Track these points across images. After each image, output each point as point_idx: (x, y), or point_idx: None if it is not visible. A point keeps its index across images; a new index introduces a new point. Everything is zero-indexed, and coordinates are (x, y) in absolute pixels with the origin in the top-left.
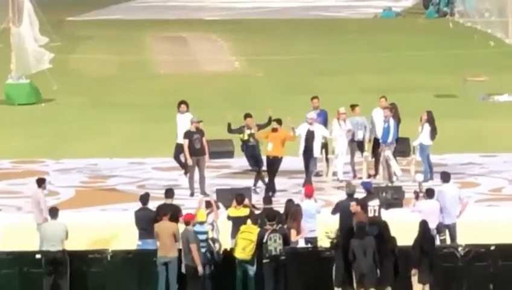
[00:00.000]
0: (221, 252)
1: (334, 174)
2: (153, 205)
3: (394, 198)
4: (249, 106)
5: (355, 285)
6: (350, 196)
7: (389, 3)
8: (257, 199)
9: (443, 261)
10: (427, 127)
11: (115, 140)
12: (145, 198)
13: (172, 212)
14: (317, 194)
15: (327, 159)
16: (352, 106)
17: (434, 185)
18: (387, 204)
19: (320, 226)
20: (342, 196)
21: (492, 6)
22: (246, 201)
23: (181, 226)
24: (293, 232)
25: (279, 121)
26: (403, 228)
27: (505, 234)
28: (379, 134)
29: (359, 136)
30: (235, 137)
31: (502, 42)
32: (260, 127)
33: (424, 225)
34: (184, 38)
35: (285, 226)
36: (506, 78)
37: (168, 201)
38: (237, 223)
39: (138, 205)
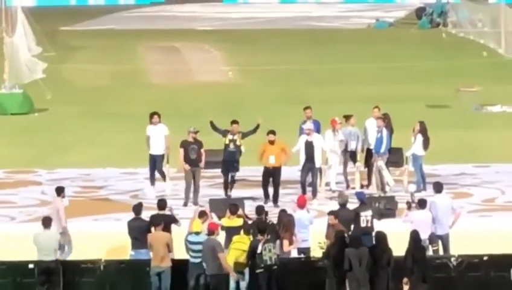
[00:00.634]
0: None
1: (327, 184)
2: (145, 215)
3: (387, 208)
4: (241, 116)
5: None
6: (343, 206)
7: (382, 13)
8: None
9: (436, 272)
10: (419, 138)
11: (107, 150)
12: (138, 208)
13: (166, 223)
14: (309, 204)
15: (320, 170)
16: (346, 116)
17: (427, 195)
18: (380, 214)
19: (313, 237)
20: (334, 206)
21: (485, 16)
22: (240, 211)
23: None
24: (285, 242)
25: (274, 133)
26: (396, 238)
27: (497, 245)
28: (372, 144)
29: (352, 146)
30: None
31: (495, 53)
32: (244, 134)
33: (414, 234)
34: (177, 48)
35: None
36: (499, 89)
37: (161, 211)
38: (231, 233)
39: (131, 215)
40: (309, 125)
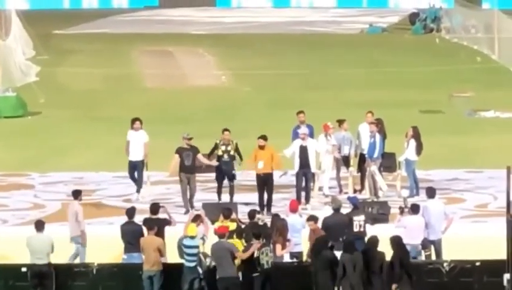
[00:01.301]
0: (211, 266)
1: (320, 189)
2: (139, 219)
3: (380, 213)
4: (235, 120)
5: None
6: (336, 211)
7: (375, 18)
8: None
9: (428, 277)
10: (412, 143)
11: (101, 153)
12: (131, 212)
13: (159, 227)
14: (302, 208)
15: (313, 174)
16: (339, 121)
17: (420, 200)
18: (373, 219)
19: (306, 241)
20: (327, 210)
21: (479, 22)
22: (233, 215)
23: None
24: (278, 246)
25: (264, 138)
26: (388, 244)
27: (490, 250)
28: (365, 149)
29: (345, 151)
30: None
31: (489, 58)
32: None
33: (398, 239)
34: (171, 53)
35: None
36: (492, 94)
37: (154, 216)
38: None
39: (124, 218)
40: (304, 130)
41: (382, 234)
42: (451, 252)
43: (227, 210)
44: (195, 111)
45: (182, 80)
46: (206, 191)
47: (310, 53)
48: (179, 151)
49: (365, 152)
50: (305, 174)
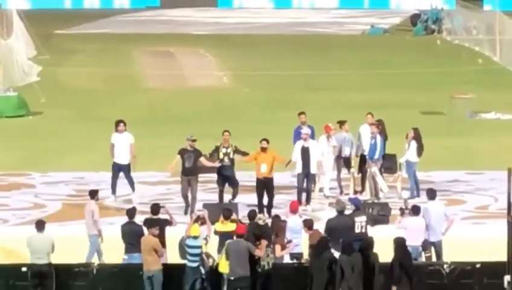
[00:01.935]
0: (214, 267)
1: (321, 190)
2: (139, 219)
3: (380, 214)
4: (236, 121)
5: None
6: (340, 213)
7: (377, 20)
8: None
9: (429, 279)
10: (413, 144)
11: (102, 153)
12: (131, 212)
13: (159, 227)
14: (302, 209)
15: (314, 175)
16: (340, 122)
17: (420, 202)
18: (374, 220)
19: (306, 242)
20: (327, 211)
21: (480, 24)
22: (234, 216)
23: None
24: (277, 247)
25: (267, 140)
26: (389, 245)
27: (490, 252)
28: (366, 150)
29: (346, 152)
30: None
31: (490, 60)
32: (237, 151)
33: (402, 241)
34: (172, 53)
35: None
36: (494, 96)
37: (155, 216)
38: (224, 238)
39: (125, 219)
40: (306, 130)
41: (382, 236)
42: (452, 254)
43: (227, 211)
44: (196, 111)
45: (183, 81)
46: (207, 191)
47: (311, 54)
48: (181, 152)
49: (366, 153)
50: (306, 175)
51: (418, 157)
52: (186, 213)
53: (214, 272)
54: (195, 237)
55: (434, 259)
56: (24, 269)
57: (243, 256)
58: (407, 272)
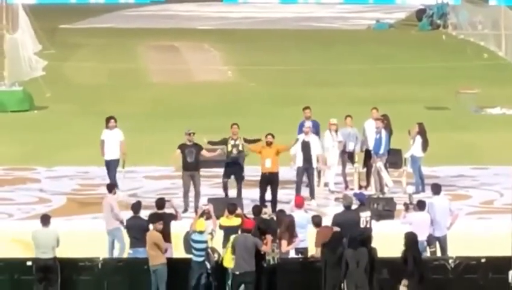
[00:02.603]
0: (219, 261)
1: (326, 185)
2: (144, 214)
3: (385, 209)
4: (240, 116)
5: None
6: (347, 208)
7: (382, 15)
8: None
9: (433, 274)
10: (418, 139)
11: None
12: (136, 207)
13: (165, 221)
14: (307, 204)
15: (319, 170)
16: (347, 117)
17: (425, 197)
18: (379, 215)
19: (311, 237)
20: (332, 207)
21: (486, 19)
22: (238, 210)
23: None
24: (283, 242)
25: (272, 135)
26: (394, 240)
27: (495, 247)
28: (371, 145)
29: (350, 147)
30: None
31: (495, 55)
32: (247, 140)
33: (413, 236)
34: (177, 48)
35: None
36: (499, 91)
37: (160, 210)
38: (229, 232)
39: (130, 213)
40: (308, 124)
41: (387, 231)
42: (457, 249)
43: (232, 205)
44: (200, 106)
45: (187, 75)
46: (212, 186)
47: (316, 49)
48: (181, 147)
49: (371, 148)
50: (306, 169)
51: (423, 152)
52: (186, 211)
53: (219, 266)
54: (201, 232)
55: (439, 254)
56: (29, 263)
57: (250, 251)
58: (419, 267)
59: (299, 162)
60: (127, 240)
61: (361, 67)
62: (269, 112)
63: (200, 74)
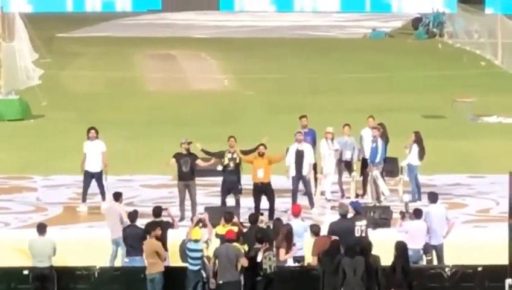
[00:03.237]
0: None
1: (322, 193)
2: (141, 223)
3: (382, 218)
4: (237, 124)
5: None
6: (343, 216)
7: (378, 23)
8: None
9: (430, 282)
10: (415, 148)
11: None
12: (133, 215)
13: (161, 229)
14: (309, 213)
15: (315, 179)
16: (345, 126)
17: (422, 205)
18: (375, 224)
19: (308, 245)
20: (329, 215)
21: (482, 27)
22: (235, 219)
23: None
24: (281, 251)
25: (264, 146)
26: (390, 248)
27: (492, 255)
28: (367, 154)
29: (347, 156)
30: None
31: (492, 63)
32: (244, 152)
33: (402, 244)
34: (173, 56)
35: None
36: (495, 100)
37: (157, 219)
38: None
39: (126, 222)
40: (300, 133)
41: (384, 239)
42: (453, 257)
43: (228, 214)
44: (197, 115)
45: (184, 84)
46: (208, 195)
47: (312, 57)
48: (176, 156)
49: (367, 157)
50: (299, 178)
51: (419, 161)
52: (182, 219)
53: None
54: (196, 241)
55: (435, 262)
56: (26, 272)
57: (231, 261)
58: (407, 276)
59: (293, 171)
60: None
61: (358, 76)
62: (266, 120)
63: (197, 83)
